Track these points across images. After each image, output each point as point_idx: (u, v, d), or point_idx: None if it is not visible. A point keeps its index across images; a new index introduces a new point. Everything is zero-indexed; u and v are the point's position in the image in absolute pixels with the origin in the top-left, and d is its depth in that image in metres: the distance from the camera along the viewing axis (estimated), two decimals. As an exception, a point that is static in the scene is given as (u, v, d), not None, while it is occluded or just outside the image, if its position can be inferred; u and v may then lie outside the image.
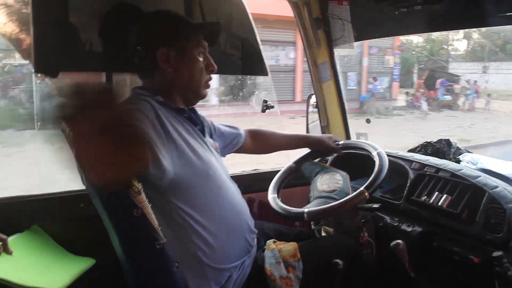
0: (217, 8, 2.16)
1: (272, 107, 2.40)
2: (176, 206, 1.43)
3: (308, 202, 1.85)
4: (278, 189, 2.00)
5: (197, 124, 1.64)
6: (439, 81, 18.15)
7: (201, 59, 1.58)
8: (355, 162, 2.17)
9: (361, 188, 1.71)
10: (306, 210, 1.71)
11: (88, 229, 1.77)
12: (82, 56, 1.86)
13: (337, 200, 1.76)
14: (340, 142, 2.14)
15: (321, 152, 2.18)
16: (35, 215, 1.86)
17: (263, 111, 2.38)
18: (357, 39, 2.43)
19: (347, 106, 2.66)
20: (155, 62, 1.51)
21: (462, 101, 17.82)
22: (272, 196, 1.92)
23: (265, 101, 2.40)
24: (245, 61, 2.25)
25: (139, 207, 1.24)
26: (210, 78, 1.64)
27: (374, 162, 1.85)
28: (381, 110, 16.00)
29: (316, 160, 2.19)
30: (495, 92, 17.24)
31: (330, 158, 2.34)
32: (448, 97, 18.14)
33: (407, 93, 17.71)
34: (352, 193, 1.76)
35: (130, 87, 1.63)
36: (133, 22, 1.58)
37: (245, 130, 2.07)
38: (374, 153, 1.90)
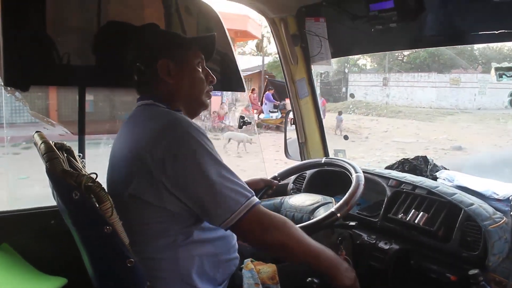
0: (197, 25, 2.16)
1: (249, 123, 2.39)
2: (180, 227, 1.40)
3: (302, 220, 1.83)
4: None
5: None
6: (264, 95, 15.72)
7: (200, 69, 1.58)
8: (329, 182, 2.23)
9: (354, 174, 1.82)
10: (333, 209, 1.69)
11: (60, 247, 1.73)
12: (55, 70, 1.83)
13: (332, 203, 1.82)
14: (275, 175, 2.21)
15: (261, 190, 2.16)
16: (4, 232, 1.80)
17: (240, 127, 2.37)
18: (334, 55, 2.47)
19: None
20: (156, 75, 1.49)
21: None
22: None
23: (242, 117, 2.39)
24: (223, 76, 2.25)
25: (109, 224, 1.20)
26: (211, 89, 1.64)
27: (343, 178, 1.90)
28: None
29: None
30: (386, 108, 16.00)
31: (305, 182, 2.36)
32: (276, 115, 14.91)
33: (213, 112, 13.39)
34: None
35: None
36: (125, 39, 1.57)
37: None
38: (323, 161, 2.13)
